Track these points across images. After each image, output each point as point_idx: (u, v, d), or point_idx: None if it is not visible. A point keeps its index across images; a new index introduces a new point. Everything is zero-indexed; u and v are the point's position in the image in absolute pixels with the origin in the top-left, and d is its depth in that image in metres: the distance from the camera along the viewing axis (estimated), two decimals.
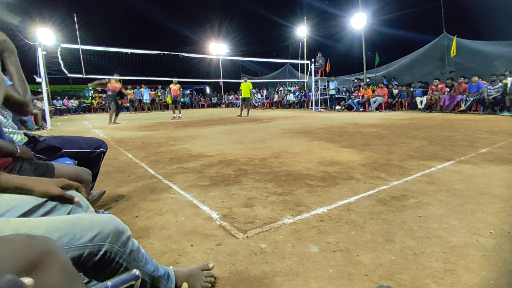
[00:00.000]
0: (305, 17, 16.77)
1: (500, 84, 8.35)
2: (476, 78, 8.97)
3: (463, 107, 9.09)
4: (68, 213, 0.83)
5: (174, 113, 10.81)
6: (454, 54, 12.05)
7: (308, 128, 6.14)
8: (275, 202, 1.91)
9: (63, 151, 1.60)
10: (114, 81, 9.51)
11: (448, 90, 9.90)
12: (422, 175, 2.42)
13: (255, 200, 1.95)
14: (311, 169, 2.72)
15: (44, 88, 8.48)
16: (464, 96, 9.14)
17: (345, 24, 16.47)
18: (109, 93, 9.33)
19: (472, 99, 8.90)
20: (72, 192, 0.88)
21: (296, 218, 1.65)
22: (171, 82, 11.16)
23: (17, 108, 1.12)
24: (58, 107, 17.50)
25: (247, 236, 1.45)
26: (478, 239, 1.35)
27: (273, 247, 1.34)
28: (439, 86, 10.03)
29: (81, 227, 0.69)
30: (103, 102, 20.19)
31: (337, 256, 1.25)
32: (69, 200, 0.84)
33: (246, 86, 11.27)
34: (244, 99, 11.47)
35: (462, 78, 9.52)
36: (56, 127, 8.55)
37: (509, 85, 8.14)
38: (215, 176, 2.60)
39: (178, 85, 11.02)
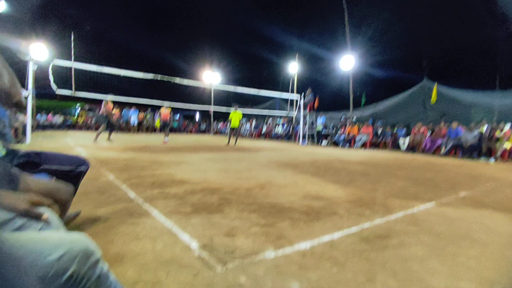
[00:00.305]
0: (297, 54, 17.66)
1: (477, 131, 8.84)
2: (455, 124, 9.49)
3: (443, 150, 9.48)
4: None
5: (165, 136, 10.76)
6: (434, 101, 12.82)
7: (294, 161, 6.19)
8: (257, 233, 1.86)
9: (41, 167, 1.54)
10: (110, 102, 9.62)
11: (430, 133, 10.38)
12: (405, 215, 2.44)
13: (237, 230, 1.90)
14: (295, 202, 2.70)
15: (30, 102, 8.32)
16: (444, 140, 9.59)
17: (335, 64, 17.41)
18: (104, 113, 9.40)
19: (451, 144, 9.33)
20: (43, 209, 0.83)
21: (277, 252, 1.60)
22: (161, 106, 11.21)
23: (2, 98, 1.07)
24: (41, 123, 17.10)
25: (226, 268, 1.39)
26: (459, 283, 1.35)
27: (253, 281, 1.28)
28: (421, 129, 10.52)
29: (48, 244, 0.65)
30: (89, 121, 19.91)
31: None
32: (37, 217, 0.79)
33: (236, 115, 11.31)
34: (232, 129, 11.51)
35: (443, 123, 10.05)
36: (37, 143, 8.27)
37: (484, 133, 8.63)
38: (197, 203, 2.53)
39: (170, 109, 11.05)
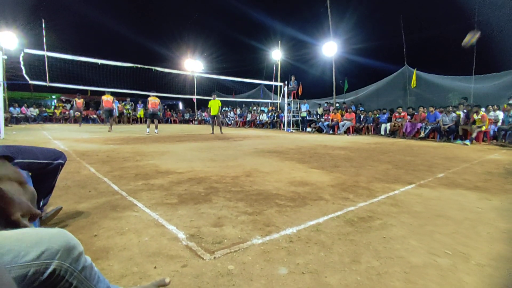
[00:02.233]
0: (279, 41, 17.50)
1: (453, 114, 9.18)
2: (432, 109, 9.83)
3: (422, 134, 9.81)
4: None
5: (148, 127, 10.17)
6: (414, 85, 13.18)
7: (279, 148, 6.24)
8: (245, 221, 1.88)
9: (15, 161, 1.46)
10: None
11: (409, 118, 10.69)
12: (387, 197, 2.53)
13: (225, 220, 1.91)
14: (281, 189, 2.74)
15: (1, 94, 7.85)
16: (423, 124, 9.91)
17: (317, 51, 17.37)
18: (109, 107, 11.29)
19: (430, 127, 9.66)
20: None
21: (265, 239, 1.63)
22: (143, 96, 10.83)
23: None
24: (15, 115, 16.26)
25: (214, 257, 1.40)
26: (436, 259, 1.42)
27: (241, 269, 1.30)
28: (402, 114, 10.80)
29: (25, 243, 0.62)
30: (66, 112, 19.12)
31: (306, 278, 1.24)
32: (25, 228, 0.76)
33: (215, 104, 11.15)
34: (213, 117, 11.42)
35: (422, 108, 10.36)
36: (11, 136, 7.89)
37: (461, 116, 8.98)
38: (183, 193, 2.52)
39: (158, 99, 10.55)
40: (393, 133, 10.81)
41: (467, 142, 8.15)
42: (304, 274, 1.27)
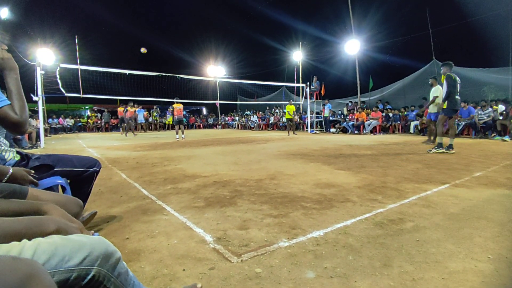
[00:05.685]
0: (300, 43, 17.34)
1: (490, 109, 8.59)
2: (463, 104, 9.26)
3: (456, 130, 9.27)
4: None
5: (177, 133, 10.67)
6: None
7: (303, 150, 6.16)
8: (270, 224, 1.87)
9: (55, 169, 1.57)
10: (130, 108, 13.87)
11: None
12: (418, 198, 2.41)
13: (250, 222, 1.91)
14: (307, 191, 2.70)
15: (40, 107, 8.47)
16: (456, 120, 9.36)
17: (339, 50, 17.00)
18: (128, 117, 13.77)
19: (463, 123, 9.11)
20: None
21: (292, 242, 1.61)
22: (168, 103, 11.21)
23: (12, 127, 1.10)
24: (53, 126, 17.43)
25: (241, 260, 1.40)
26: (477, 264, 1.33)
27: (269, 272, 1.30)
28: None
29: (69, 249, 0.67)
30: (99, 122, 20.18)
31: (335, 282, 1.21)
32: None
33: (290, 108, 12.30)
34: (288, 120, 12.67)
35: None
36: (50, 146, 8.46)
37: (499, 111, 8.39)
38: (210, 197, 2.56)
39: (182, 105, 10.94)
40: (422, 131, 10.32)
41: (507, 138, 7.58)
42: (333, 278, 1.24)
